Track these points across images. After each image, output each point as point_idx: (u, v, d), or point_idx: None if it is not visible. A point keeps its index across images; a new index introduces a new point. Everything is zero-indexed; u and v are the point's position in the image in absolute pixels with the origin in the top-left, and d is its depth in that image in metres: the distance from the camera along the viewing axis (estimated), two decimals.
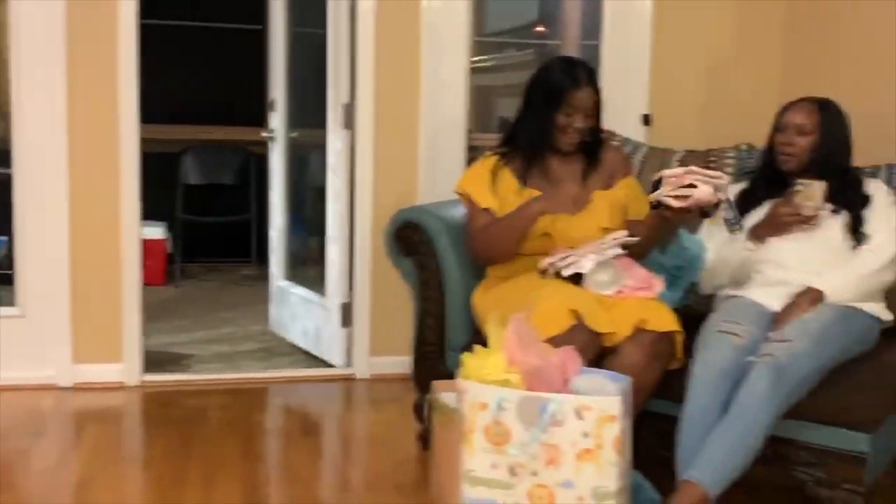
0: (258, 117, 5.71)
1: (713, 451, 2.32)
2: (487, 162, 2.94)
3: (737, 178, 3.14)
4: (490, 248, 2.89)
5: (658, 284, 2.73)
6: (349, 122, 3.93)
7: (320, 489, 2.92)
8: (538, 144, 2.87)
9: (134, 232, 3.80)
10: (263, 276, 5.17)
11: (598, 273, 2.69)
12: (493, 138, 4.12)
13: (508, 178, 2.90)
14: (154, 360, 4.07)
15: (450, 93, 3.94)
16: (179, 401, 3.68)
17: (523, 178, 2.89)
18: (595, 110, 2.84)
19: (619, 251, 2.71)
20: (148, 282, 5.52)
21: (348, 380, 4.02)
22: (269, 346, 4.53)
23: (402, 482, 2.94)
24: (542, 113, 2.84)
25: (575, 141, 2.85)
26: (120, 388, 3.78)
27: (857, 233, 2.71)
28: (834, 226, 2.72)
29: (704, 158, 3.25)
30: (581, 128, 2.82)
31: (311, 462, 3.11)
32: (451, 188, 3.03)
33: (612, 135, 3.48)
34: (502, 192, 2.89)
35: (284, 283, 4.61)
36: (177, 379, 3.95)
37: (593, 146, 2.93)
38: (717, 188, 2.54)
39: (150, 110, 6.03)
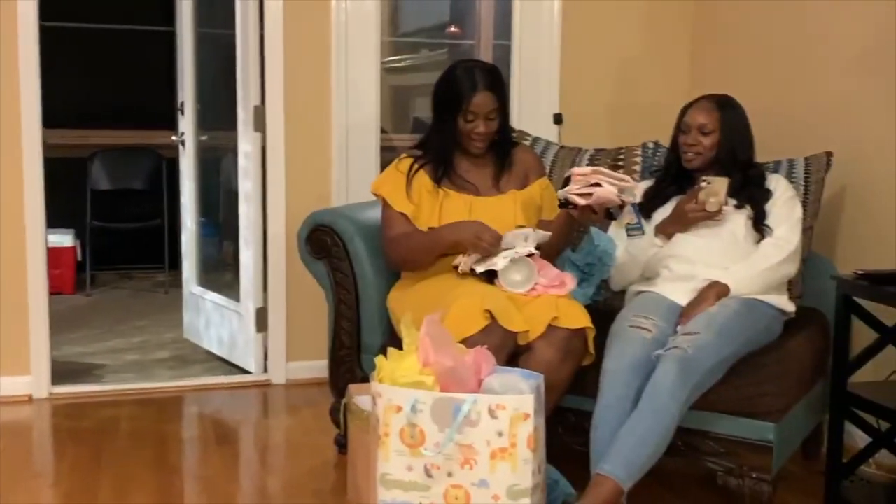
0: (169, 120, 5.62)
1: (624, 444, 2.35)
2: (402, 164, 2.94)
3: (643, 175, 3.20)
4: (404, 259, 2.91)
5: (570, 282, 2.76)
6: (260, 125, 3.89)
7: (237, 498, 2.88)
8: (445, 149, 2.89)
9: (39, 239, 3.69)
10: (177, 283, 5.08)
11: (511, 272, 2.72)
12: (408, 139, 4.12)
13: (423, 179, 2.90)
14: (64, 372, 3.97)
15: (362, 93, 3.93)
16: (90, 412, 3.59)
17: (437, 180, 2.90)
18: (498, 113, 2.84)
19: (532, 250, 2.73)
20: (57, 291, 5.43)
21: (264, 386, 3.97)
22: (183, 354, 4.45)
23: (320, 488, 2.92)
24: (445, 119, 2.85)
25: (480, 145, 2.87)
26: (27, 401, 3.67)
27: (760, 227, 2.78)
28: (738, 221, 2.79)
29: (614, 157, 3.30)
30: (483, 132, 2.83)
31: (226, 471, 3.06)
32: (367, 189, 3.02)
33: (524, 134, 3.52)
34: (417, 194, 2.89)
35: (198, 290, 4.54)
36: (87, 390, 3.85)
37: (503, 147, 2.95)
38: (621, 190, 2.58)
39: (57, 115, 5.88)
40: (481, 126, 2.82)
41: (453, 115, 2.82)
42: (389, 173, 2.96)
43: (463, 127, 2.82)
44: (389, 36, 5.02)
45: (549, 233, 2.79)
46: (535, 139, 3.51)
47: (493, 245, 2.69)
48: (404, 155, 2.98)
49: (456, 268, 2.78)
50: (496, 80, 2.86)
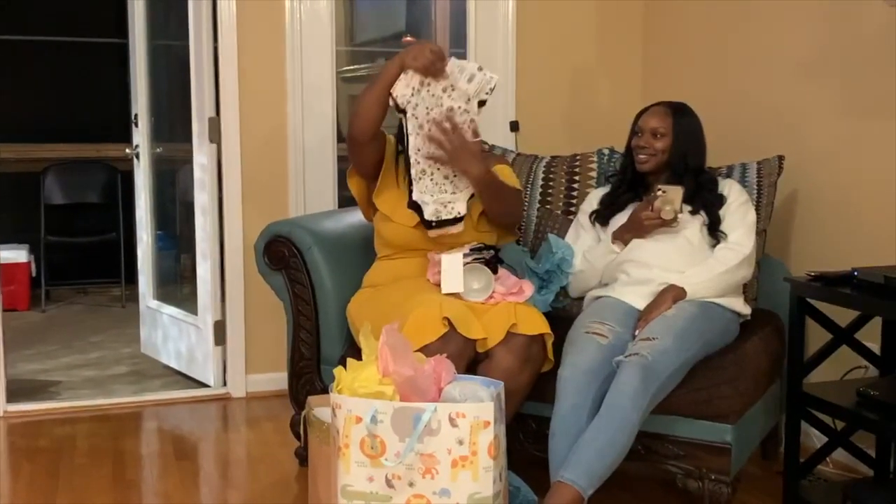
0: (123, 133, 5.56)
1: (585, 451, 2.36)
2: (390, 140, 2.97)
3: (599, 182, 3.22)
4: (356, 113, 2.79)
5: (528, 289, 2.78)
6: (215, 136, 3.86)
7: None
8: (402, 147, 2.91)
9: None
10: (134, 297, 5.02)
11: (469, 280, 2.72)
12: None
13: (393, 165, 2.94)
14: (18, 389, 3.91)
15: (318, 103, 3.92)
16: (46, 430, 3.53)
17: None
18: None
19: (482, 261, 2.75)
20: (11, 307, 5.35)
21: (224, 400, 3.94)
22: (141, 369, 4.40)
23: (281, 501, 2.90)
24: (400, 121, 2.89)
25: None
26: None
27: (715, 232, 2.81)
28: (693, 226, 2.82)
29: (570, 163, 3.32)
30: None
31: (186, 486, 3.02)
32: (325, 199, 3.01)
33: (482, 142, 3.52)
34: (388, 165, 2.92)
35: (155, 304, 4.49)
36: (43, 408, 3.79)
37: None
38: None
39: (9, 129, 5.85)
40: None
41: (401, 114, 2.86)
42: None
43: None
44: (345, 45, 5.00)
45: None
46: (493, 147, 3.52)
47: (437, 56, 2.65)
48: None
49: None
50: None
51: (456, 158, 2.70)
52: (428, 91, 2.71)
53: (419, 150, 2.74)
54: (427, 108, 2.71)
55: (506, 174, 2.94)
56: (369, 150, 2.86)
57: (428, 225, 2.78)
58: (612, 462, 2.37)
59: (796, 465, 2.73)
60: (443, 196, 2.76)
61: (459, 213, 2.78)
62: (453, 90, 2.72)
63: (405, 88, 2.70)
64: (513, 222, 3.01)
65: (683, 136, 2.87)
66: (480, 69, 2.73)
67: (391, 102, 2.72)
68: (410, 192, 2.77)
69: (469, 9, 4.14)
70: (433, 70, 2.69)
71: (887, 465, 2.81)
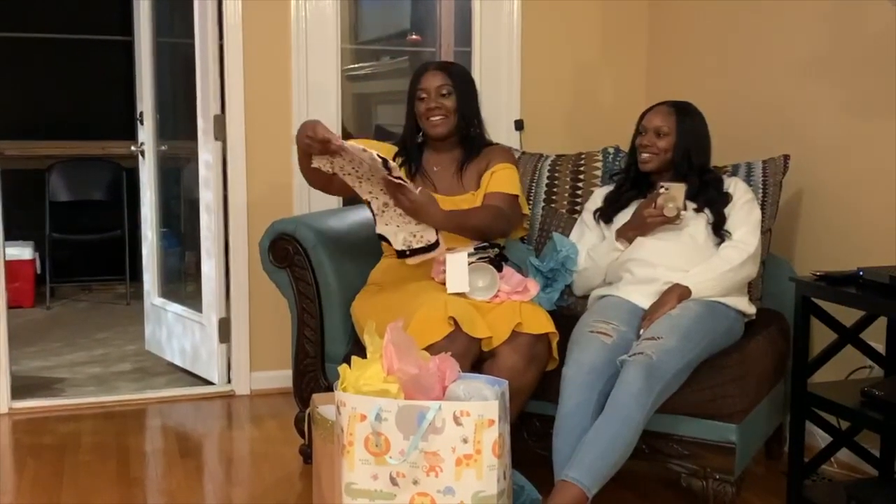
0: (128, 130, 5.56)
1: (589, 450, 2.36)
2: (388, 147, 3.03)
3: (604, 180, 3.22)
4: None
5: (533, 288, 2.78)
6: (220, 134, 3.86)
7: None
8: (410, 138, 2.99)
9: None
10: (138, 295, 5.03)
11: (474, 279, 2.72)
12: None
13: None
14: (23, 386, 3.92)
15: (323, 101, 3.91)
16: (51, 427, 3.54)
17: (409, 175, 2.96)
18: (453, 91, 2.89)
19: (487, 260, 2.75)
20: (16, 304, 5.36)
21: (228, 397, 3.94)
22: (146, 367, 4.40)
23: (285, 499, 2.90)
24: (409, 109, 2.97)
25: (436, 121, 2.90)
26: None
27: (719, 231, 2.81)
28: (697, 225, 2.82)
29: (575, 162, 3.32)
30: (434, 108, 2.89)
31: (190, 484, 3.03)
32: (329, 197, 3.02)
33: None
34: None
35: (159, 301, 4.49)
36: (48, 404, 3.80)
37: (472, 146, 2.98)
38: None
39: (14, 126, 5.85)
40: (433, 102, 2.89)
41: (411, 100, 2.93)
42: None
43: (418, 109, 2.92)
44: (350, 43, 5.01)
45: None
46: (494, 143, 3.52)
47: (313, 139, 2.55)
48: (391, 143, 3.07)
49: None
50: (451, 66, 3.00)
51: (414, 214, 2.68)
52: (341, 157, 2.62)
53: (371, 192, 2.68)
54: (353, 166, 2.63)
55: (500, 180, 2.93)
56: (335, 190, 2.93)
57: (402, 254, 2.75)
58: (616, 461, 2.37)
59: (800, 465, 2.72)
60: (409, 227, 2.71)
61: (429, 242, 2.73)
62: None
63: (321, 159, 2.64)
64: (496, 235, 2.90)
65: (687, 135, 2.87)
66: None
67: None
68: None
69: (474, 7, 4.13)
70: (311, 150, 2.60)
71: (892, 465, 2.80)
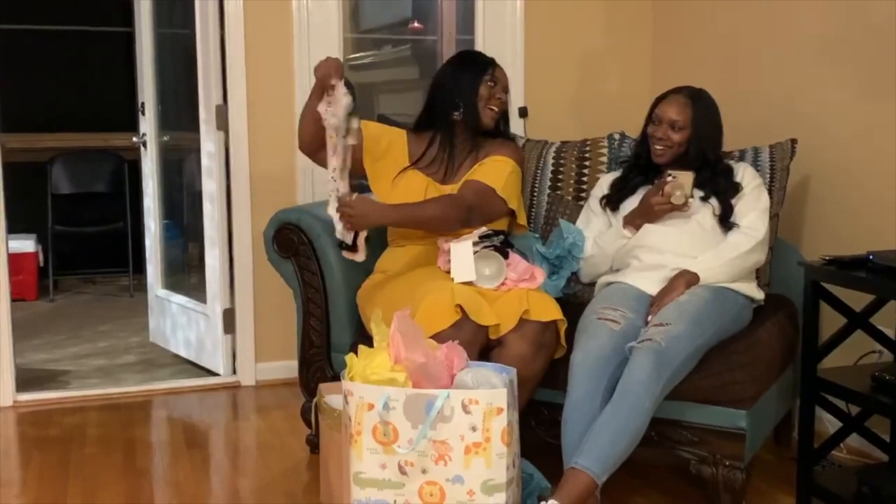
0: (130, 122, 5.54)
1: (598, 437, 2.34)
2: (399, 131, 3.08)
3: (610, 167, 3.20)
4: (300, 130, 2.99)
5: (540, 275, 2.76)
6: (222, 124, 3.84)
7: (208, 502, 2.83)
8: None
9: (0, 245, 3.63)
10: (142, 286, 5.02)
11: (480, 267, 2.71)
12: None
13: (402, 149, 3.01)
14: (28, 379, 3.91)
15: None
16: (56, 419, 3.53)
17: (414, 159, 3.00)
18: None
19: (493, 247, 2.74)
20: (19, 297, 5.34)
21: (233, 388, 3.93)
22: (150, 358, 4.39)
23: (292, 489, 2.89)
24: (456, 93, 2.96)
25: (496, 111, 2.97)
26: None
27: (725, 222, 2.78)
28: (705, 211, 2.79)
29: (580, 149, 3.30)
30: (501, 100, 2.98)
31: (197, 475, 3.02)
32: None
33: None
34: (385, 145, 3.02)
35: (163, 293, 4.48)
36: (53, 397, 3.79)
37: (483, 138, 3.00)
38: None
39: (15, 119, 5.83)
40: (500, 93, 2.96)
41: (475, 83, 2.93)
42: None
43: (484, 92, 2.93)
44: (351, 32, 4.98)
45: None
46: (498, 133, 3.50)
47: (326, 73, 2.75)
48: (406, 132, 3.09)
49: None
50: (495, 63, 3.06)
51: (361, 219, 2.76)
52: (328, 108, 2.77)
53: (334, 169, 2.79)
54: (335, 127, 2.78)
55: (484, 169, 2.93)
56: (316, 152, 2.94)
57: (339, 245, 2.83)
58: (625, 448, 2.36)
59: (810, 451, 2.71)
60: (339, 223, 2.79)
61: (349, 243, 2.79)
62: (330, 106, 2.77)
63: (324, 105, 2.78)
64: (455, 225, 2.83)
65: (703, 129, 2.81)
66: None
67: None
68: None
69: None
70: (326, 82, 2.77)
71: None
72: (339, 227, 2.78)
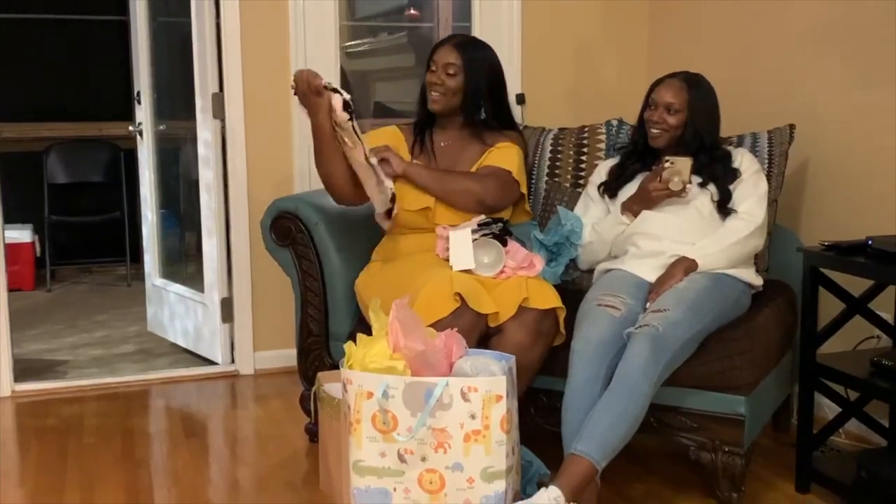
0: (126, 111, 5.52)
1: (597, 423, 2.34)
2: (389, 130, 3.04)
3: (608, 153, 3.19)
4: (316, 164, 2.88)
5: (538, 263, 2.76)
6: (219, 112, 3.83)
7: (207, 491, 2.84)
8: (421, 109, 2.98)
9: None
10: (139, 276, 5.01)
11: (479, 255, 2.70)
12: (369, 124, 4.07)
13: (399, 141, 2.98)
14: (25, 369, 3.90)
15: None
16: (54, 409, 3.52)
17: (412, 151, 2.97)
18: (461, 72, 2.86)
19: (491, 235, 2.73)
20: (16, 287, 5.33)
21: (232, 377, 3.92)
22: (148, 348, 4.38)
23: (291, 478, 2.89)
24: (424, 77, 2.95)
25: (436, 96, 2.89)
26: None
27: (724, 208, 2.77)
28: (703, 197, 2.79)
29: (577, 135, 3.29)
30: (437, 83, 2.88)
31: (196, 464, 3.02)
32: None
33: None
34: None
35: (160, 282, 4.47)
36: (51, 387, 3.78)
37: (478, 126, 2.95)
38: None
39: (10, 109, 5.81)
40: (437, 77, 2.87)
41: (425, 71, 2.92)
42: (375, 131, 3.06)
43: (429, 78, 2.90)
44: (347, 20, 4.95)
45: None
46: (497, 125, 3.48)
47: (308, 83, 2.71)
48: (395, 126, 3.06)
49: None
50: (469, 44, 2.94)
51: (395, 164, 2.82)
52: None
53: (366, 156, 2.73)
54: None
55: (497, 155, 2.90)
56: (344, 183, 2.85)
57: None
58: (624, 434, 2.36)
59: (809, 436, 2.71)
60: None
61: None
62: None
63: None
64: (487, 201, 2.83)
65: (699, 112, 2.80)
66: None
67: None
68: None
69: None
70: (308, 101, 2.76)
71: None
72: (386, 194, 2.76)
